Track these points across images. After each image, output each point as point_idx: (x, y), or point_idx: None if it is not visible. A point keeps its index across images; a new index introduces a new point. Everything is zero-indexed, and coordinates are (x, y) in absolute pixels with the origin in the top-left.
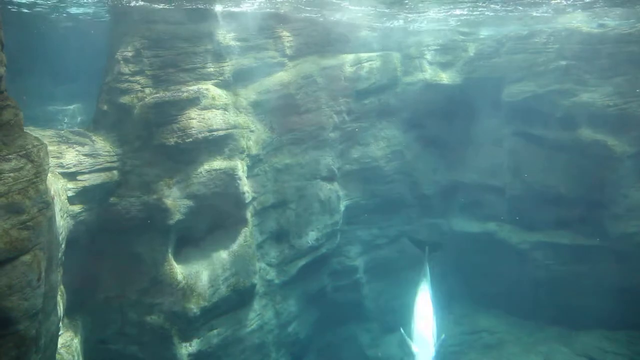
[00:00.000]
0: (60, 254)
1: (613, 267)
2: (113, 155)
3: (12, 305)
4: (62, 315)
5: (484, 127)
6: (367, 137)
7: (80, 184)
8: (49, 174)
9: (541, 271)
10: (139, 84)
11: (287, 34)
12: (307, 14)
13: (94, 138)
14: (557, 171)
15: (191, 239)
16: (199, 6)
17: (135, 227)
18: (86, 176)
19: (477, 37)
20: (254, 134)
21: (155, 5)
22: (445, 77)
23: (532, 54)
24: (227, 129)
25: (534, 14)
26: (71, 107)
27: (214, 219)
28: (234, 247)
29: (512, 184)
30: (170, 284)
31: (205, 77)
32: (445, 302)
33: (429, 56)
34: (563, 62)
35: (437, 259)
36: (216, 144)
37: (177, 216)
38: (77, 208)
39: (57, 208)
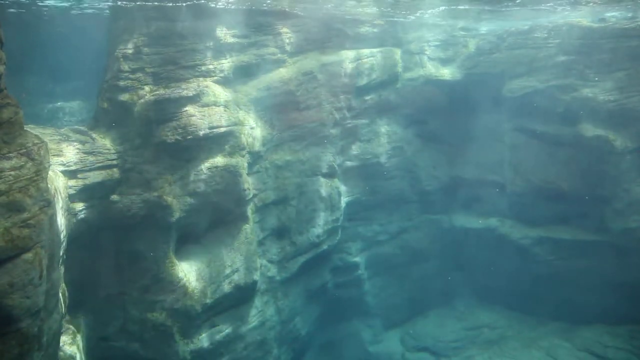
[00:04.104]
0: (61, 252)
1: (614, 262)
2: (114, 153)
3: (14, 303)
4: (64, 312)
5: (484, 122)
6: (368, 133)
7: (81, 182)
8: (50, 172)
9: (542, 266)
10: (139, 81)
11: (287, 30)
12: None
13: (94, 136)
14: (558, 166)
15: (192, 236)
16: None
17: (137, 224)
18: (87, 174)
19: (477, 33)
20: (254, 131)
21: (155, 3)
22: (445, 73)
23: (533, 49)
24: (228, 126)
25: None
26: (71, 104)
27: (215, 216)
28: (235, 244)
29: (513, 179)
30: (171, 281)
31: (206, 74)
32: (447, 297)
33: (429, 52)
34: (564, 57)
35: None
36: (217, 141)
37: (178, 213)
38: (78, 206)
39: (58, 206)
